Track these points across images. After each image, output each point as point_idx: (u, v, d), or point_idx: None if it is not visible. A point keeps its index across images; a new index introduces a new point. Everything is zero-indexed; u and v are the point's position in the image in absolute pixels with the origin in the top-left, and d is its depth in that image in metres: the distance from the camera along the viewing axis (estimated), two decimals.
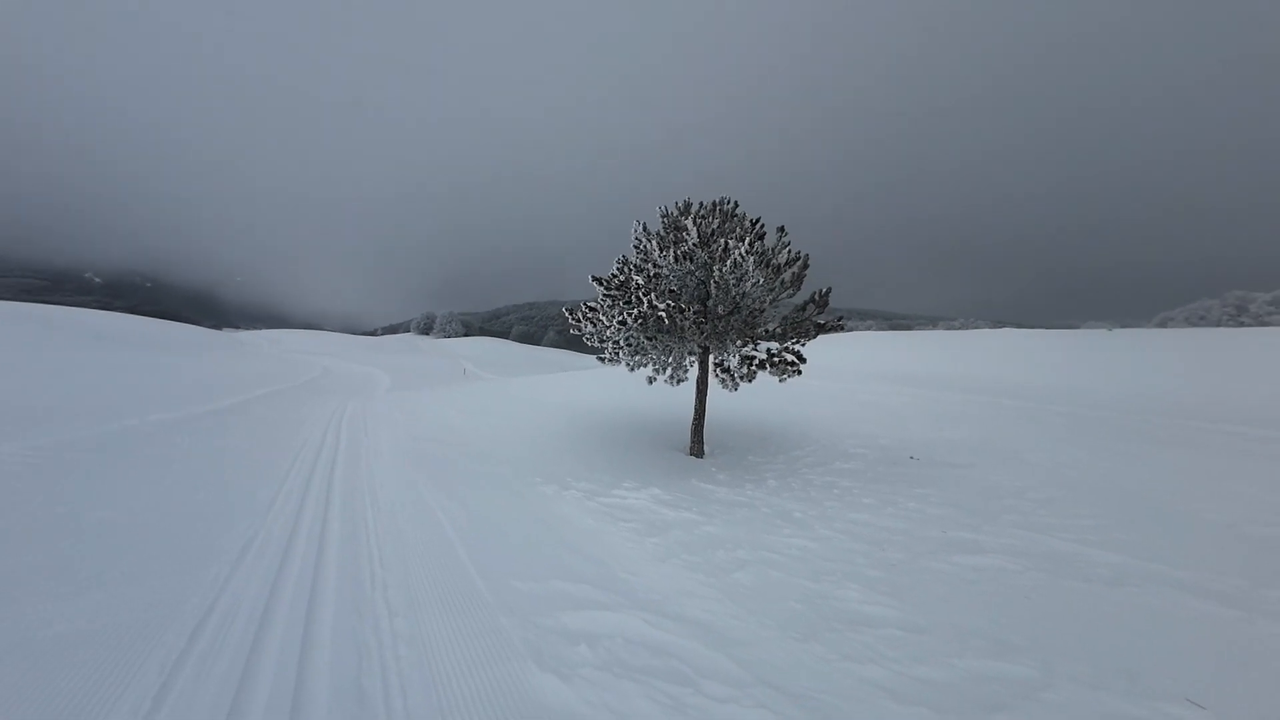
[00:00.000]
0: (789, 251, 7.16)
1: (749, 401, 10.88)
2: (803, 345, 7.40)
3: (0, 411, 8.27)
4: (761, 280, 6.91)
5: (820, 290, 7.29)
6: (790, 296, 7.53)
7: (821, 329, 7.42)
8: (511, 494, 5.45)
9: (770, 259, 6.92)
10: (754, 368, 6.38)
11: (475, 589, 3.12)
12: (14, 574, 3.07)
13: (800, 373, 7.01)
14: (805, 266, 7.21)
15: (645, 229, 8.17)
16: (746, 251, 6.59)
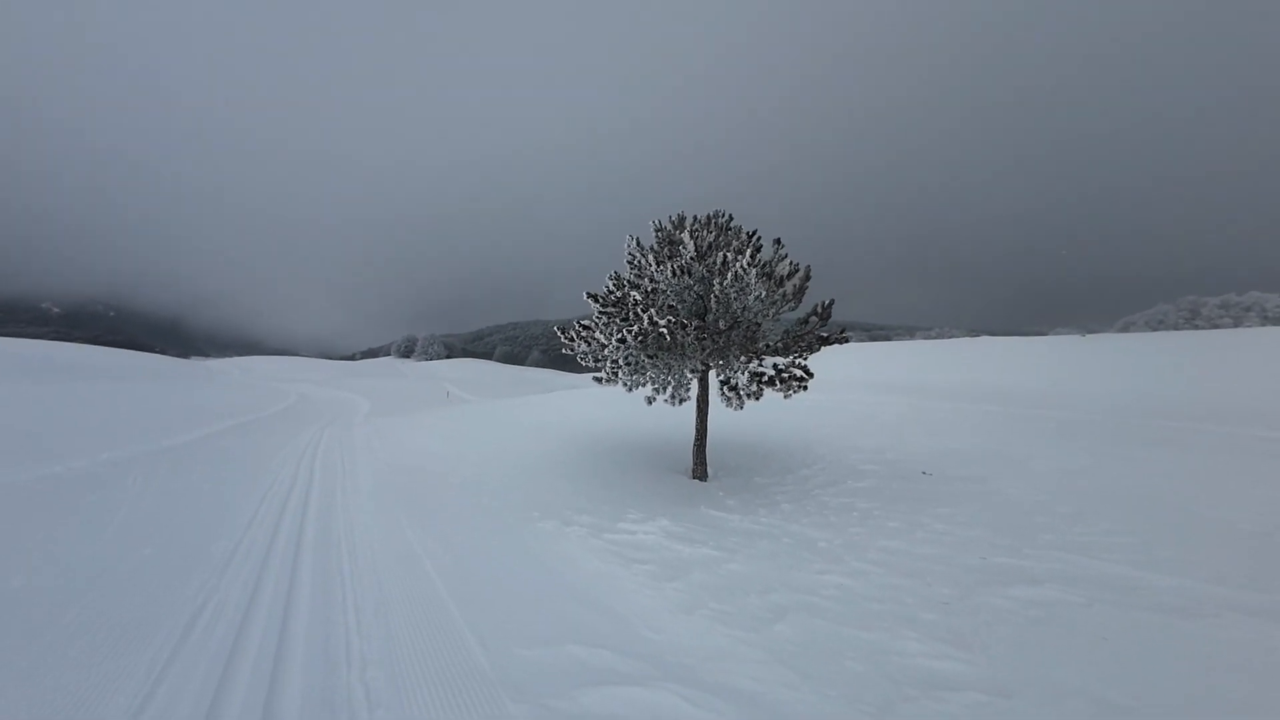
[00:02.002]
0: (790, 263, 6.97)
1: (741, 417, 10.53)
2: (806, 359, 7.15)
3: None
4: (763, 293, 6.67)
5: (823, 302, 7.09)
6: (792, 310, 7.32)
7: (825, 342, 7.18)
8: (506, 533, 4.92)
9: (772, 271, 6.70)
10: (763, 384, 6.06)
11: (473, 661, 2.62)
12: None
13: (806, 388, 6.73)
14: (808, 278, 7.02)
15: (639, 244, 7.90)
16: (748, 264, 6.35)
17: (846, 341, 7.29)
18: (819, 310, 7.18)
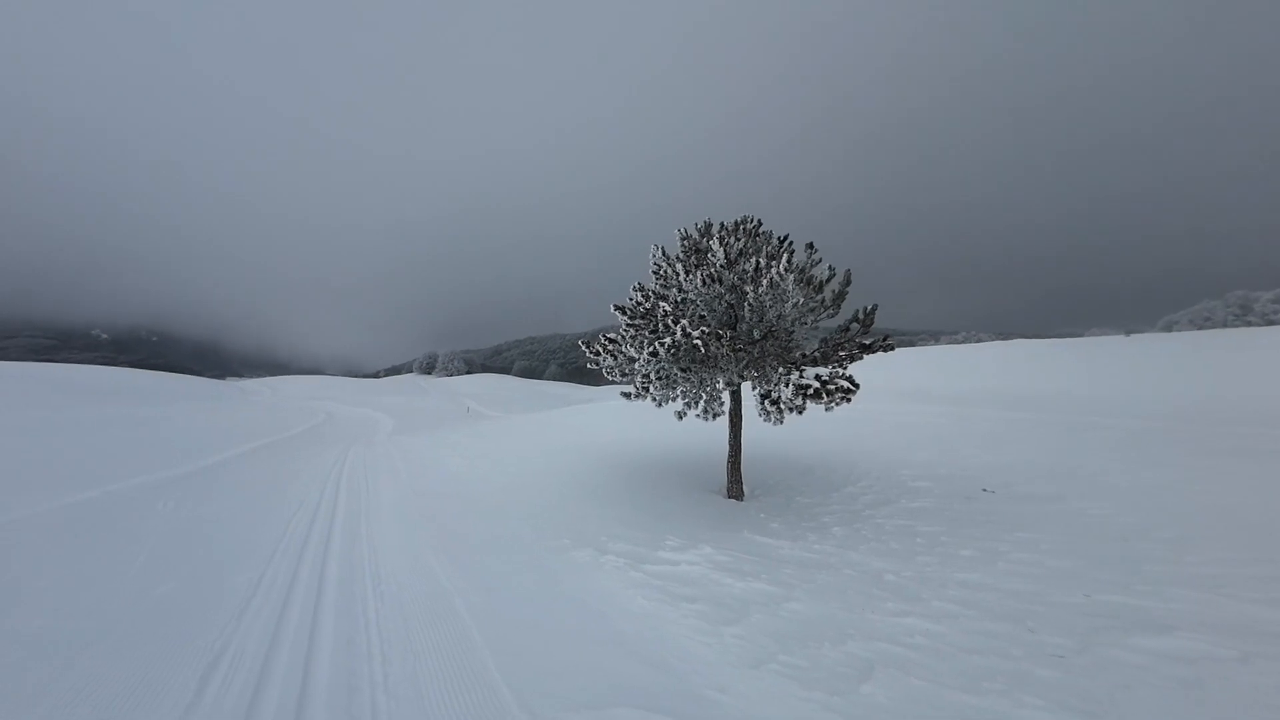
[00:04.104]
0: (829, 268, 6.57)
1: (772, 430, 9.99)
2: (847, 369, 6.69)
3: None
4: (801, 300, 6.28)
5: (864, 308, 6.64)
6: (830, 317, 6.89)
7: (867, 350, 6.72)
8: (538, 564, 4.58)
9: (810, 277, 6.31)
10: (808, 396, 5.63)
11: None
12: None
13: (850, 400, 6.25)
14: (848, 283, 6.60)
15: (665, 253, 7.63)
16: (785, 269, 5.98)
17: (891, 349, 6.81)
18: (860, 317, 6.74)
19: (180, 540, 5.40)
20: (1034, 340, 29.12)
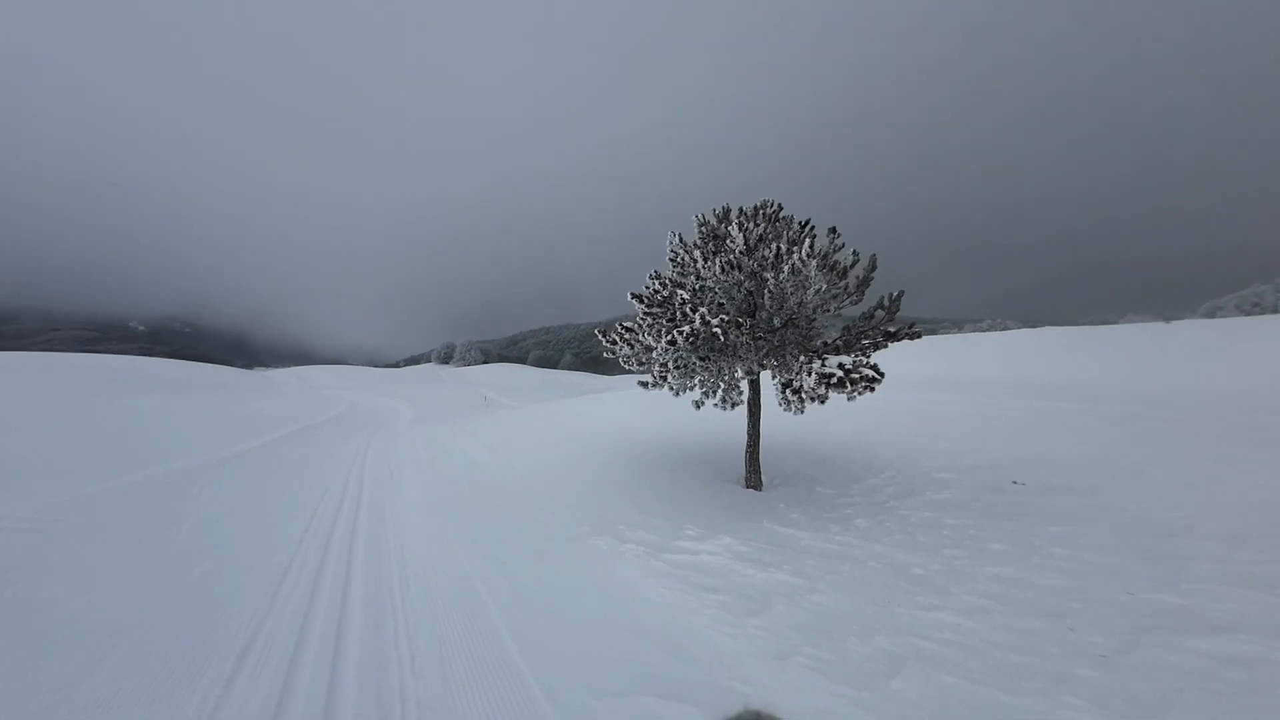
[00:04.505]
0: (853, 253, 6.35)
1: (789, 420, 9.81)
2: (870, 358, 6.49)
3: (34, 465, 7.91)
4: (824, 286, 6.09)
5: (890, 294, 6.42)
6: (854, 304, 6.69)
7: (892, 338, 6.51)
8: (558, 552, 4.61)
9: (834, 263, 6.11)
10: (831, 385, 5.49)
11: (540, 713, 2.27)
12: None
13: (874, 389, 6.08)
14: (873, 269, 6.38)
15: (682, 240, 7.49)
16: (808, 255, 5.80)
17: (918, 337, 6.58)
18: (885, 304, 6.52)
19: (215, 523, 5.61)
20: (1065, 328, 27.94)
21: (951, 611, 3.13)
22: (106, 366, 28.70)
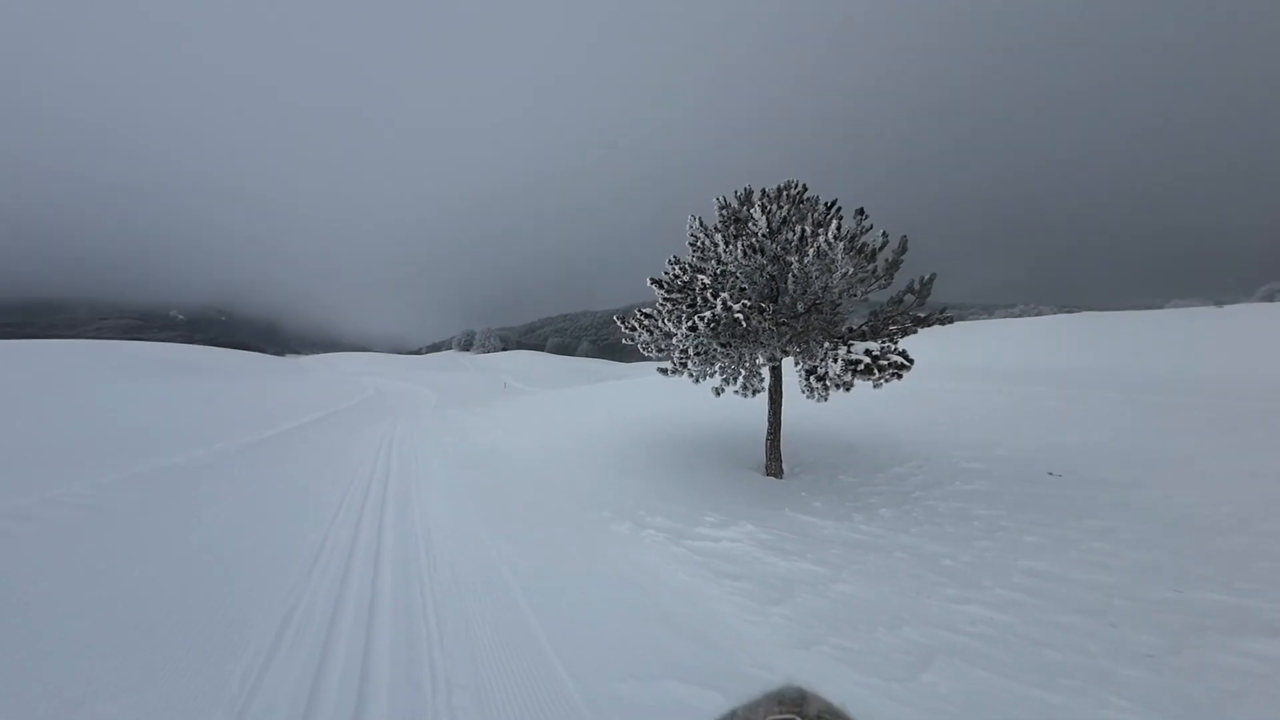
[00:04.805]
0: (882, 235, 6.09)
1: (810, 407, 9.60)
2: (898, 344, 6.28)
3: (89, 445, 8.45)
4: (851, 270, 5.88)
5: (920, 278, 6.16)
6: (882, 288, 6.45)
7: (922, 323, 6.27)
8: (580, 536, 4.67)
9: (862, 245, 5.88)
10: (858, 372, 5.34)
11: (567, 697, 2.32)
12: (14, 667, 2.55)
13: (901, 376, 5.88)
14: (903, 251, 6.11)
15: (702, 223, 7.33)
16: (834, 237, 5.59)
17: (950, 322, 6.32)
18: (915, 288, 6.26)
19: (253, 502, 5.88)
20: (1106, 313, 26.46)
21: (984, 605, 3.04)
22: (152, 354, 30.23)
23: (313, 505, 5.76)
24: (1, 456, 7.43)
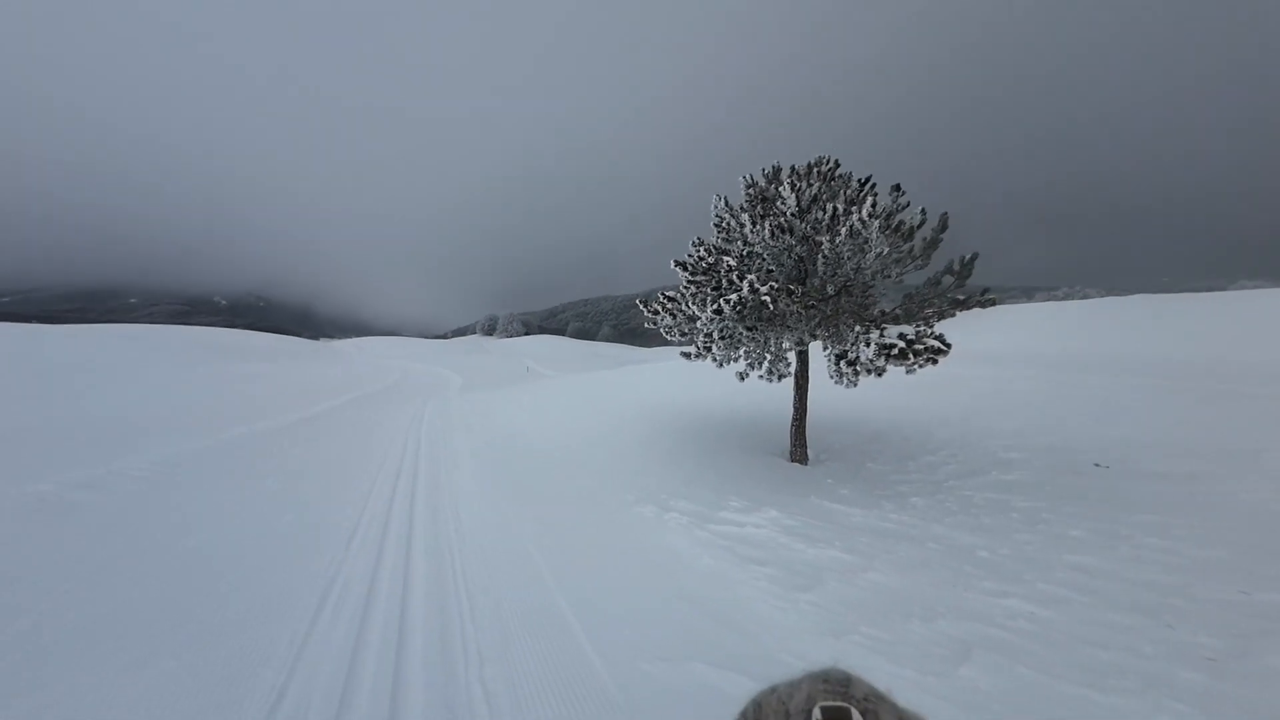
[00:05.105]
0: (920, 212, 5.76)
1: (835, 393, 9.31)
2: (933, 327, 5.99)
3: (149, 422, 9.05)
4: (886, 250, 5.60)
5: (961, 257, 5.82)
6: (918, 268, 6.14)
7: (961, 306, 5.95)
8: (605, 517, 4.71)
9: (899, 224, 5.58)
10: (893, 357, 5.13)
11: (595, 676, 2.35)
12: (81, 628, 2.76)
13: (937, 362, 5.63)
14: (943, 229, 5.78)
15: (727, 203, 7.10)
16: (868, 216, 5.32)
17: (992, 304, 5.98)
18: (954, 268, 5.93)
19: (293, 479, 6.17)
20: (1160, 296, 24.68)
21: (1025, 599, 2.91)
22: (200, 338, 31.96)
23: (348, 484, 6.00)
24: (73, 432, 8.02)
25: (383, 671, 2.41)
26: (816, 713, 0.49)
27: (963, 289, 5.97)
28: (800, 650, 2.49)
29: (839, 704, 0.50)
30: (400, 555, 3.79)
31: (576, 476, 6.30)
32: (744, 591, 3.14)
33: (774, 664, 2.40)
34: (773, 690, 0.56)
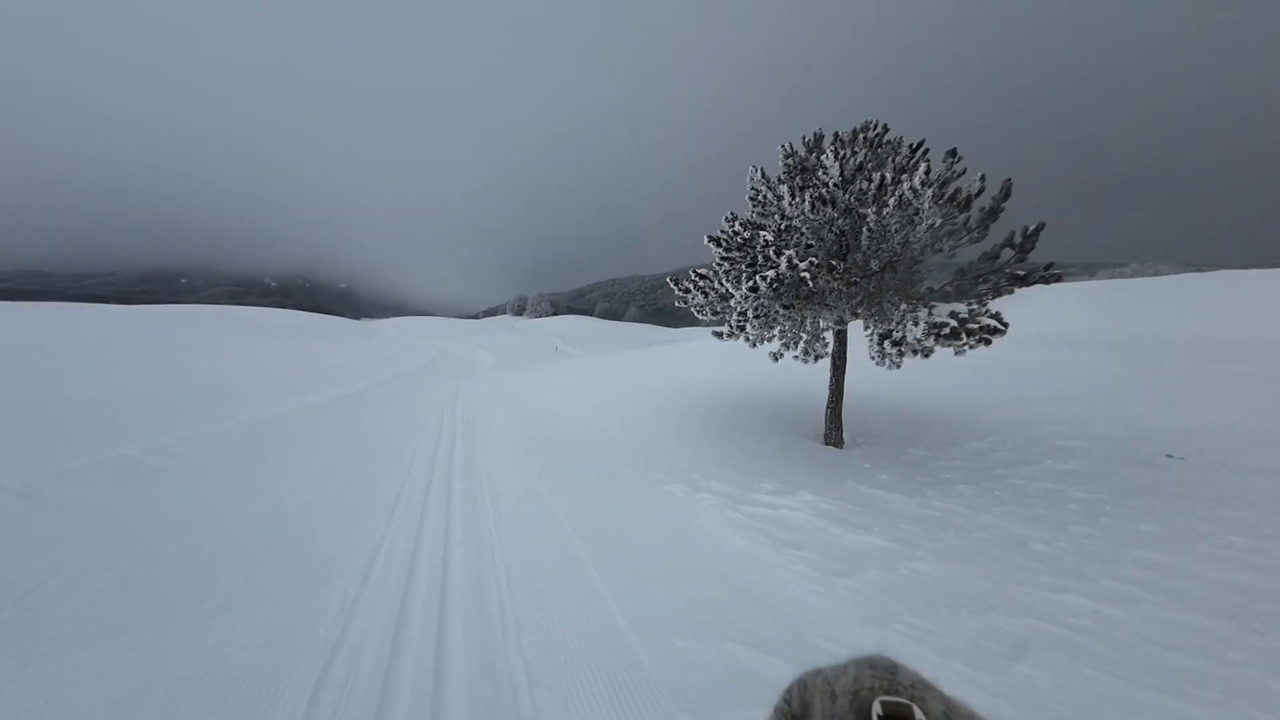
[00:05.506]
0: (979, 179, 5.29)
1: (873, 375, 8.88)
2: (987, 305, 5.57)
3: (213, 394, 9.77)
4: (939, 221, 5.20)
5: (1025, 229, 5.33)
6: (974, 241, 5.68)
7: (1022, 282, 5.49)
8: (635, 495, 4.73)
9: (955, 193, 5.14)
10: (943, 337, 4.82)
11: (630, 651, 2.36)
12: (154, 584, 3.00)
13: (990, 343, 5.25)
14: (1006, 197, 5.29)
15: (764, 175, 6.76)
16: (921, 184, 4.92)
17: (1057, 280, 5.48)
18: (1015, 240, 5.45)
19: (340, 450, 6.50)
20: (1247, 271, 22.14)
21: (1086, 595, 2.72)
22: (256, 318, 34.02)
23: (389, 456, 6.28)
24: (152, 402, 8.73)
25: (427, 631, 2.51)
26: (877, 707, 0.48)
27: (1024, 263, 5.50)
28: (841, 637, 2.42)
29: (900, 700, 0.48)
30: (439, 525, 3.93)
31: (606, 454, 6.35)
32: (779, 574, 3.08)
33: (813, 649, 2.35)
34: (818, 672, 0.55)
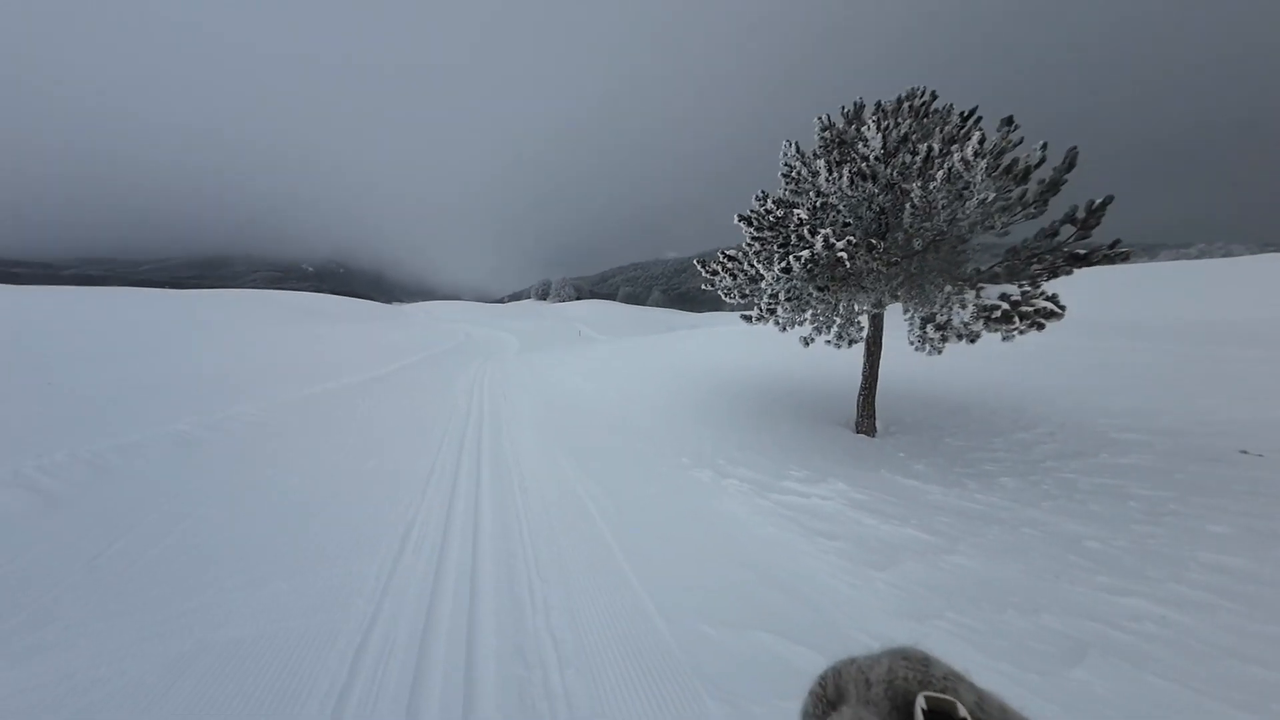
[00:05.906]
0: (1040, 148, 4.85)
1: (909, 361, 8.44)
2: (1041, 287, 5.17)
3: (257, 374, 10.31)
4: (992, 195, 4.82)
5: (1090, 203, 4.87)
6: (1030, 218, 5.26)
7: (1084, 262, 5.06)
8: (660, 480, 4.70)
9: (1011, 164, 4.74)
10: (994, 320, 4.52)
11: (659, 636, 2.34)
12: (208, 555, 3.17)
13: (1043, 328, 4.89)
14: (1070, 167, 4.85)
15: (799, 150, 6.43)
16: (973, 155, 4.55)
17: (1125, 259, 5.02)
18: (1077, 216, 5.00)
19: (374, 429, 6.73)
20: None
21: (1151, 599, 2.52)
22: (296, 303, 35.56)
23: (420, 436, 6.45)
24: (203, 380, 9.27)
25: (459, 608, 2.57)
26: (921, 702, 0.48)
27: (1087, 241, 5.06)
28: (877, 630, 2.33)
29: (944, 695, 0.48)
30: (469, 506, 4.01)
31: (632, 439, 6.34)
32: (810, 564, 2.99)
33: (846, 640, 2.27)
34: (852, 661, 0.56)
